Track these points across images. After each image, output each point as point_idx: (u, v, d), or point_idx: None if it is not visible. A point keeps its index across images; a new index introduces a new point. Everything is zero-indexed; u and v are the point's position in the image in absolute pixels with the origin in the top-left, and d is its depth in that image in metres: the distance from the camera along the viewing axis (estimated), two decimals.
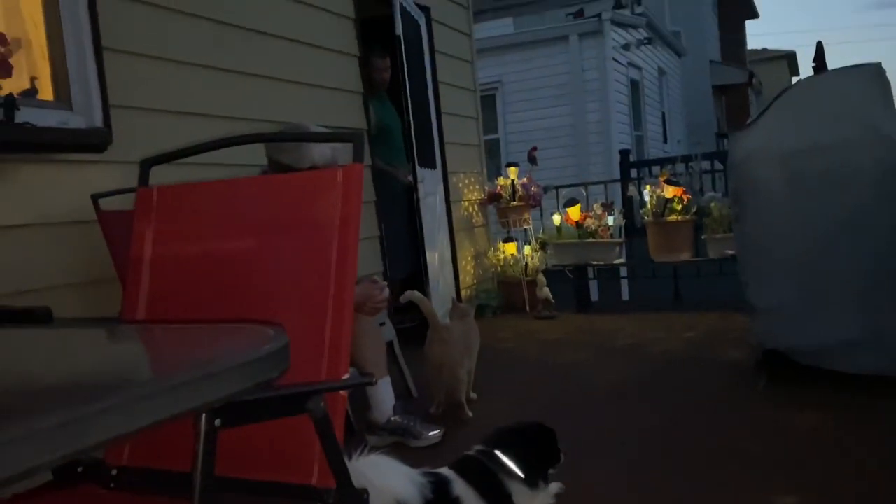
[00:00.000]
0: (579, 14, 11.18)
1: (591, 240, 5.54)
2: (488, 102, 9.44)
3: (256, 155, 2.72)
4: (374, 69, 4.68)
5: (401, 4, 4.67)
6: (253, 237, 1.37)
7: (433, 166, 5.28)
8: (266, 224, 1.37)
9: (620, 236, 5.64)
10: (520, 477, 1.85)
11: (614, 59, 9.48)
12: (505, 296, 5.93)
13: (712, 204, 5.09)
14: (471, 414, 3.07)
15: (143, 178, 1.49)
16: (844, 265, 2.93)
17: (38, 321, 2.04)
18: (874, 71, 2.98)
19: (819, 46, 5.78)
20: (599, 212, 5.61)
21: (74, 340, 1.04)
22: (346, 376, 1.22)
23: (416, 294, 3.06)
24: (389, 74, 4.76)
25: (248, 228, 1.39)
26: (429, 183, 4.98)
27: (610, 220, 5.55)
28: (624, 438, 2.76)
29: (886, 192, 2.87)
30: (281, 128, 2.60)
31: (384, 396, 2.82)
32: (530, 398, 3.40)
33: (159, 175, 1.54)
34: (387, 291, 2.59)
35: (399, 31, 4.55)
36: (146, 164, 1.50)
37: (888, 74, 2.94)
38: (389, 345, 3.32)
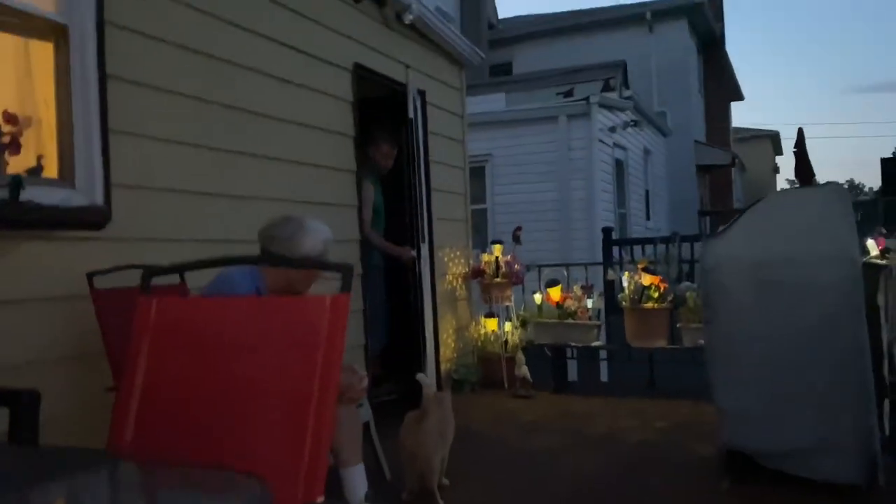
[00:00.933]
0: (569, 94, 11.57)
1: (570, 320, 5.66)
2: (478, 173, 9.69)
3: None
4: (380, 153, 4.87)
5: (396, 90, 4.89)
6: (244, 356, 1.47)
7: (423, 242, 5.43)
8: (257, 344, 1.48)
9: (599, 319, 5.76)
10: None
11: (601, 140, 9.79)
12: (484, 371, 6.01)
13: (688, 294, 5.23)
14: (442, 502, 3.12)
15: (145, 287, 1.60)
16: (806, 374, 3.06)
17: (25, 405, 2.12)
18: (837, 190, 3.18)
19: (800, 132, 6.03)
20: (580, 293, 5.74)
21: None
22: (320, 499, 1.31)
23: (426, 380, 3.19)
24: (393, 162, 4.96)
25: (240, 346, 1.49)
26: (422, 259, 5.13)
27: (589, 303, 5.68)
28: None
29: (847, 306, 3.02)
30: (272, 221, 2.71)
31: (357, 483, 2.87)
32: (500, 489, 3.45)
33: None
34: (366, 381, 2.68)
35: (412, 114, 4.73)
36: (148, 274, 1.61)
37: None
38: (366, 425, 3.39)
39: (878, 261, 3.37)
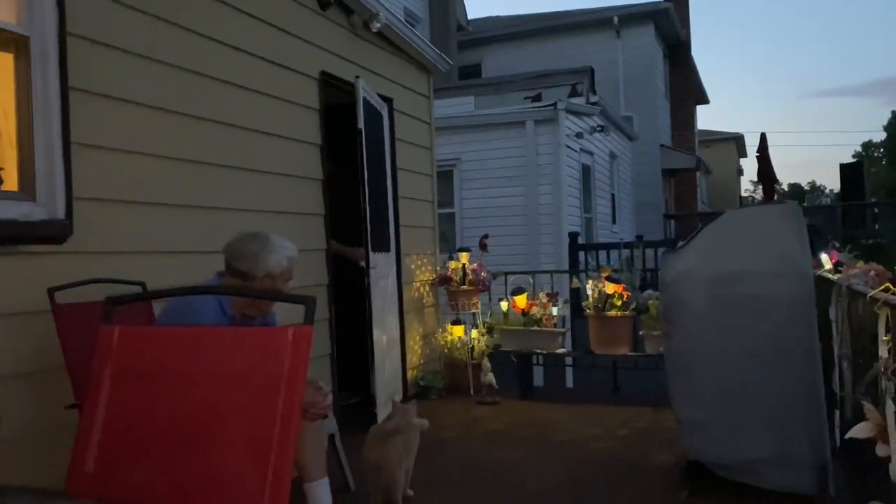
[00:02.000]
0: (537, 98, 11.68)
1: (535, 328, 5.73)
2: (446, 177, 9.74)
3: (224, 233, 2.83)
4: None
5: (364, 98, 4.89)
6: (207, 384, 1.49)
7: (387, 249, 5.45)
8: (219, 373, 1.49)
9: (564, 326, 5.84)
10: None
11: (567, 145, 9.90)
12: (450, 377, 6.06)
13: (650, 302, 5.33)
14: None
15: (107, 316, 1.60)
16: (759, 387, 3.15)
17: None
18: (791, 209, 3.28)
19: (762, 137, 6.16)
20: (545, 301, 5.82)
21: None
22: None
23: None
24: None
25: (203, 375, 1.50)
26: (382, 267, 5.13)
27: (554, 310, 5.76)
28: None
29: (798, 321, 3.12)
30: (238, 237, 2.71)
31: (321, 497, 2.89)
32: (465, 499, 3.49)
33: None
34: (330, 398, 2.70)
35: (361, 124, 4.76)
36: (110, 303, 1.61)
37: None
38: (331, 437, 3.40)
39: (831, 275, 3.47)
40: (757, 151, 4.06)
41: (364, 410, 4.64)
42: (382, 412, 3.78)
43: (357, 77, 4.83)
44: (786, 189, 57.29)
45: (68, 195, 2.94)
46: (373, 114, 5.24)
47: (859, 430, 2.10)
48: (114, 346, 1.58)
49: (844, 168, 18.31)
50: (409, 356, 5.77)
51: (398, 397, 3.61)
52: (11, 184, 2.87)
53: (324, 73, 4.80)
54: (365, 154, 4.80)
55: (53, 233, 2.89)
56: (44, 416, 2.76)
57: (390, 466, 3.07)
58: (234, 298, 2.59)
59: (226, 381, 1.48)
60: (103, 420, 1.53)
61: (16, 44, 2.85)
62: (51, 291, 2.76)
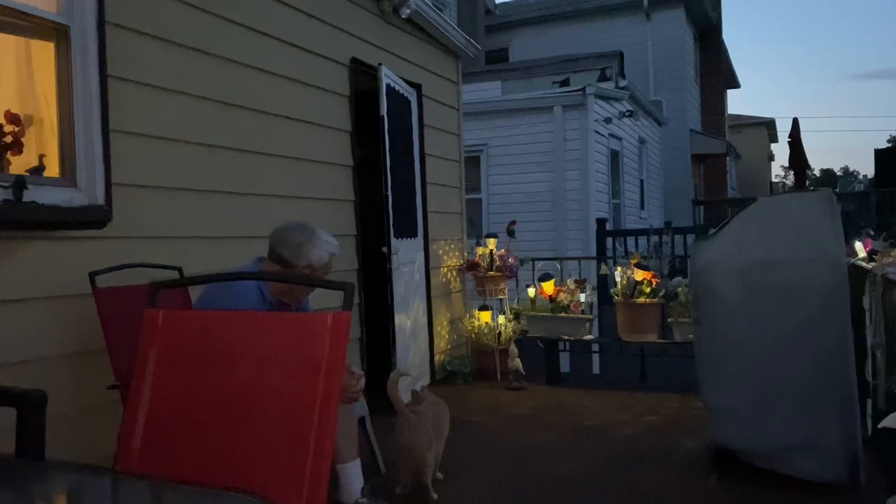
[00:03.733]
0: (565, 83, 11.58)
1: (563, 314, 5.73)
2: (473, 163, 9.73)
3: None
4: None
5: (388, 85, 4.91)
6: (247, 370, 1.53)
7: (414, 235, 5.48)
8: (260, 358, 1.54)
9: (592, 312, 5.84)
10: None
11: (596, 131, 9.83)
12: (477, 363, 6.10)
13: (679, 289, 5.31)
14: (435, 496, 3.21)
15: (152, 300, 1.65)
16: (790, 374, 3.14)
17: (32, 406, 2.18)
18: (826, 196, 3.24)
19: (795, 122, 6.04)
20: (573, 287, 5.82)
21: None
22: None
23: (390, 380, 3.24)
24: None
25: (244, 360, 1.55)
26: (405, 253, 5.16)
27: (582, 297, 5.75)
28: None
29: (831, 309, 3.10)
30: (286, 225, 2.77)
31: (353, 479, 2.96)
32: (492, 482, 3.53)
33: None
34: (363, 382, 2.74)
35: (384, 111, 4.78)
36: (154, 288, 1.66)
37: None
38: (361, 420, 3.46)
39: (865, 264, 3.44)
40: (789, 137, 4.01)
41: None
42: (405, 395, 3.84)
43: (380, 64, 4.85)
44: (818, 175, 56.25)
45: (108, 181, 3.01)
46: (400, 100, 5.26)
47: (892, 420, 2.09)
48: (159, 328, 1.63)
49: (879, 153, 17.90)
50: (436, 341, 5.82)
51: (420, 384, 3.65)
52: (53, 170, 2.94)
53: (354, 60, 4.83)
54: (388, 141, 4.82)
55: (94, 218, 2.97)
56: (87, 396, 2.85)
57: (420, 448, 3.12)
58: (273, 284, 2.65)
59: (266, 364, 1.52)
60: (149, 400, 1.59)
61: (56, 33, 2.91)
62: (92, 275, 2.84)
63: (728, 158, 21.86)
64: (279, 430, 1.47)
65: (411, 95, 5.52)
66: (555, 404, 5.15)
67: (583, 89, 9.64)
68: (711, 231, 3.51)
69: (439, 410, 3.36)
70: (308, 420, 1.43)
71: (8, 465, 1.59)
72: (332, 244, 2.74)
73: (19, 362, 2.62)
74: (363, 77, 4.91)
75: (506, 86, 11.40)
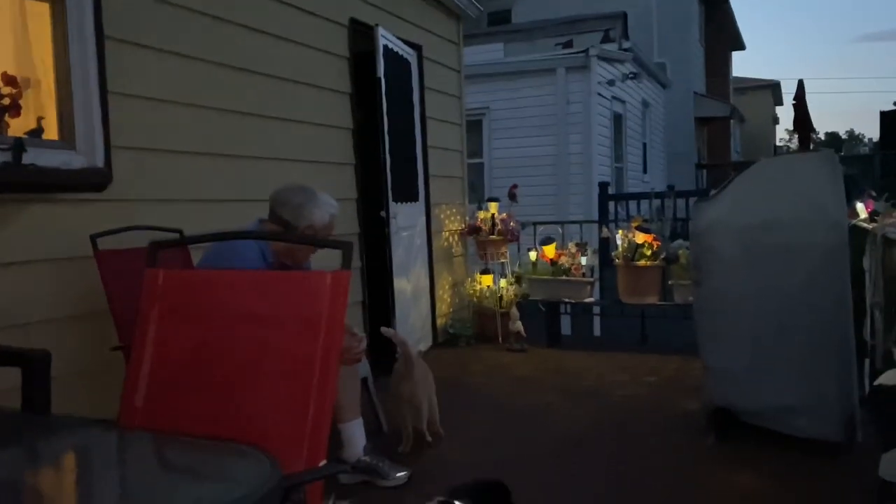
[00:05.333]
0: (568, 44, 11.44)
1: (564, 277, 5.75)
2: (475, 127, 9.66)
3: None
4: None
5: (386, 47, 4.85)
6: (248, 327, 1.55)
7: (415, 199, 5.48)
8: (261, 316, 1.55)
9: (593, 276, 5.85)
10: None
11: (599, 93, 9.73)
12: (479, 326, 6.13)
13: (680, 251, 5.31)
14: (430, 438, 3.44)
15: (151, 260, 1.66)
16: (789, 335, 3.16)
17: (37, 365, 2.20)
18: (828, 157, 3.22)
19: (800, 84, 5.95)
20: (574, 251, 5.82)
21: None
22: (322, 463, 1.40)
23: (390, 331, 3.39)
24: None
25: (244, 318, 1.56)
26: (405, 217, 5.16)
27: (583, 260, 5.76)
28: (571, 499, 2.92)
29: (831, 270, 3.10)
30: (286, 186, 2.77)
31: (355, 437, 3.00)
32: (491, 442, 3.58)
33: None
34: (364, 343, 2.77)
35: (381, 73, 4.73)
36: (154, 247, 1.67)
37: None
38: (364, 381, 3.50)
39: (866, 224, 3.43)
40: (794, 99, 3.97)
41: (387, 356, 4.72)
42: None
43: (376, 25, 4.79)
44: (822, 138, 55.81)
45: (107, 144, 3.01)
46: (399, 62, 5.20)
47: (888, 377, 2.11)
48: (159, 288, 1.64)
49: (884, 116, 17.71)
50: (438, 304, 5.85)
51: (419, 349, 3.78)
52: (52, 133, 2.93)
53: (353, 21, 4.77)
54: (385, 103, 4.78)
55: (94, 180, 2.96)
56: (90, 356, 2.88)
57: (416, 398, 3.32)
58: (274, 246, 2.65)
59: (267, 322, 1.54)
60: (151, 359, 1.60)
61: None
62: (93, 238, 2.85)
63: (732, 121, 21.70)
64: (280, 388, 1.49)
65: (411, 57, 5.46)
66: (555, 366, 5.19)
67: (586, 51, 9.52)
68: (712, 192, 3.50)
69: (426, 369, 3.50)
70: (308, 377, 1.45)
71: (15, 419, 1.62)
72: (332, 206, 2.74)
73: (22, 324, 2.64)
74: (362, 38, 4.86)
75: (508, 48, 11.26)
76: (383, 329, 3.40)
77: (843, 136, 60.68)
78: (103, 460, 1.36)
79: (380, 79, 4.73)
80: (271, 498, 0.94)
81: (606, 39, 11.73)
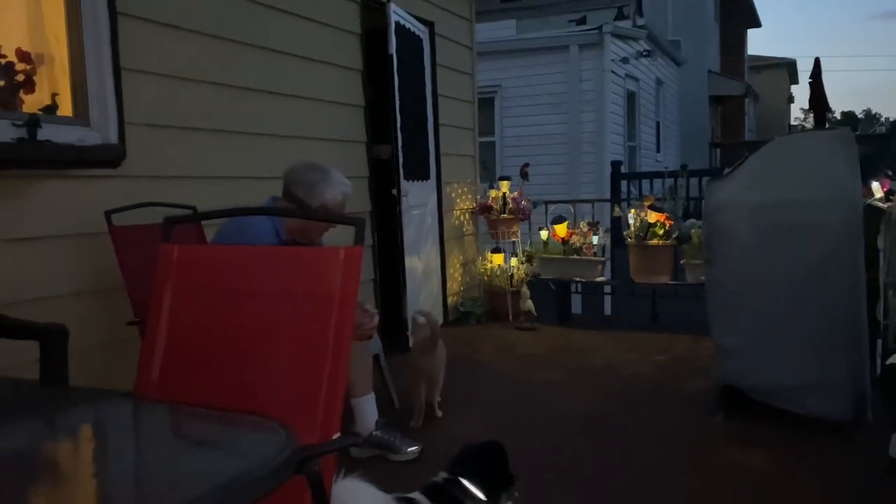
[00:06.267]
0: (581, 21, 11.33)
1: (575, 256, 5.75)
2: (487, 105, 9.61)
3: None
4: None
5: (397, 23, 4.82)
6: (262, 303, 1.56)
7: (426, 177, 5.47)
8: (274, 291, 1.56)
9: (604, 255, 5.84)
10: (483, 501, 2.06)
11: (613, 71, 9.65)
12: (490, 304, 6.15)
13: (693, 231, 5.29)
14: (440, 413, 3.51)
15: (166, 235, 1.67)
16: (801, 314, 3.15)
17: (54, 339, 2.24)
18: (843, 135, 3.19)
19: (816, 62, 5.87)
20: (585, 230, 5.81)
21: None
22: (336, 435, 1.42)
23: (422, 318, 3.47)
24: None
25: (258, 294, 1.57)
26: (416, 195, 5.15)
27: (595, 239, 5.75)
28: (578, 476, 2.94)
29: (844, 249, 3.08)
30: (300, 164, 2.77)
31: (367, 412, 3.03)
32: (500, 419, 3.60)
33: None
34: (376, 318, 2.79)
35: (392, 50, 4.70)
36: (169, 223, 1.68)
37: (885, 87, 3.14)
38: (376, 357, 3.53)
39: (881, 204, 3.40)
40: (810, 77, 3.92)
41: (398, 333, 4.75)
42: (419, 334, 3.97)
43: (388, 1, 4.75)
44: (839, 118, 55.09)
45: (121, 120, 3.03)
46: (411, 38, 5.17)
47: None
48: (174, 263, 1.66)
49: None
50: (449, 283, 5.87)
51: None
52: (66, 109, 2.95)
53: None
54: (397, 81, 4.76)
55: (108, 157, 2.99)
56: (107, 331, 2.92)
57: (435, 371, 3.41)
58: (287, 223, 2.67)
59: (280, 297, 1.55)
60: (166, 332, 1.62)
61: None
62: (108, 214, 2.88)
63: (747, 100, 21.46)
64: (294, 362, 1.50)
65: (423, 34, 5.43)
66: (565, 344, 5.21)
67: (599, 28, 9.43)
68: (726, 171, 3.48)
69: (443, 347, 3.55)
70: (322, 351, 1.46)
71: (33, 391, 1.65)
72: (345, 184, 2.75)
73: (38, 299, 2.68)
74: (374, 14, 4.82)
75: (520, 25, 11.17)
76: (415, 315, 3.54)
77: (860, 116, 59.83)
78: (119, 430, 1.39)
79: (391, 55, 4.70)
80: (285, 469, 0.95)
81: (620, 16, 11.60)
